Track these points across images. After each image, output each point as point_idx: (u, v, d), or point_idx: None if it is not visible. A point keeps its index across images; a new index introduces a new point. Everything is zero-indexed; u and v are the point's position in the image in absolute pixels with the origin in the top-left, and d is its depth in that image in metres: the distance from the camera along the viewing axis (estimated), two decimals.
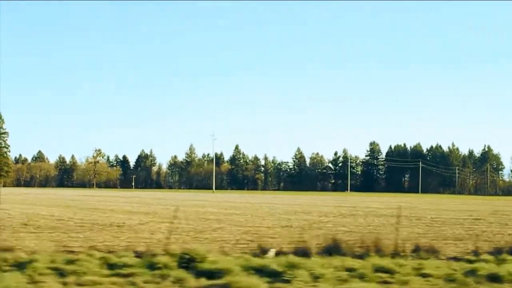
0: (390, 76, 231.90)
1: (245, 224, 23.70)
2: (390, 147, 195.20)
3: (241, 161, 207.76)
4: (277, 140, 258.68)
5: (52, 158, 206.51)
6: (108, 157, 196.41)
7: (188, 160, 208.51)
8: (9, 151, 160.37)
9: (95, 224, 23.43)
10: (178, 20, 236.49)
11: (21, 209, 33.00)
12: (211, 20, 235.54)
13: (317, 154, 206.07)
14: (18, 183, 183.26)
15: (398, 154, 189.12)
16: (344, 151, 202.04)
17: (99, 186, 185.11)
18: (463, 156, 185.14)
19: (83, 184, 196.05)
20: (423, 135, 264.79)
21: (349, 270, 10.59)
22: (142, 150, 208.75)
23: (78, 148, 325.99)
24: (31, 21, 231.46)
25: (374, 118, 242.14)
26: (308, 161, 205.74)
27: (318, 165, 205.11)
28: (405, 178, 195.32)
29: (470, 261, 12.09)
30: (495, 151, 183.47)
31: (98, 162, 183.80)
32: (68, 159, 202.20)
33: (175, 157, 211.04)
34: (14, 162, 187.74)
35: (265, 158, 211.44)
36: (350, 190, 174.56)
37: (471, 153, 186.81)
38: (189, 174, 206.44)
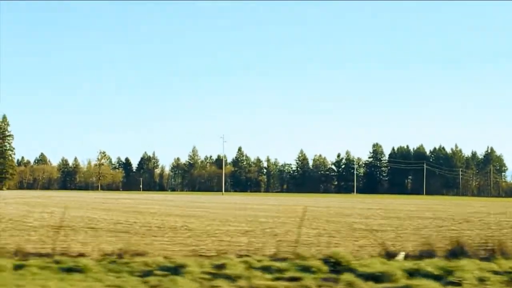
0: (392, 77, 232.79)
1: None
2: (393, 149, 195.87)
3: (244, 163, 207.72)
4: (279, 142, 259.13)
5: (53, 160, 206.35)
6: (110, 159, 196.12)
7: (191, 162, 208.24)
8: (14, 154, 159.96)
9: (161, 228, 23.44)
10: (178, 20, 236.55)
11: (76, 213, 32.98)
12: (211, 20, 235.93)
13: (320, 156, 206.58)
14: (21, 186, 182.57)
15: (401, 155, 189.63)
16: (347, 153, 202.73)
17: (102, 188, 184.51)
18: (466, 158, 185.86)
19: (86, 186, 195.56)
20: (426, 136, 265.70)
21: (509, 272, 10.73)
22: (145, 152, 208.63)
23: (80, 150, 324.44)
24: (31, 21, 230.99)
25: (376, 120, 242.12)
26: (310, 163, 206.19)
27: (321, 167, 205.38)
28: (408, 180, 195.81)
29: None
30: (498, 153, 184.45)
31: (103, 164, 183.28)
32: (70, 162, 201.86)
33: (178, 159, 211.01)
34: (17, 164, 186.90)
35: (268, 160, 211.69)
36: (350, 192, 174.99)
37: (474, 154, 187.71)
38: (192, 176, 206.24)
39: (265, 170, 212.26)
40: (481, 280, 10.25)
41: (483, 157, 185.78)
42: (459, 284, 9.98)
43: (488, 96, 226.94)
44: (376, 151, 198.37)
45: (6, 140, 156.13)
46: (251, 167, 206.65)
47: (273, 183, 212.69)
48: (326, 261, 11.64)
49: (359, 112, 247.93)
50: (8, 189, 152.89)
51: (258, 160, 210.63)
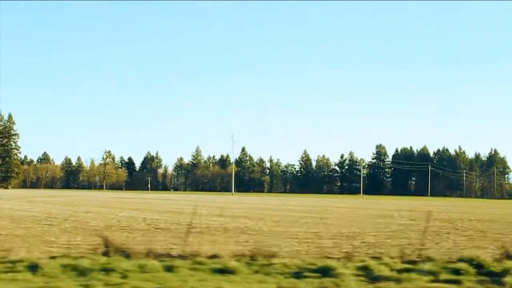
0: (395, 78, 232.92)
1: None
2: (396, 150, 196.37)
3: (248, 163, 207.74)
4: (283, 142, 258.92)
5: (56, 160, 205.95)
6: (114, 158, 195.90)
7: (195, 162, 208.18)
8: (20, 153, 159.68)
9: (212, 228, 23.37)
10: (179, 20, 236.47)
11: (116, 213, 32.96)
12: (213, 20, 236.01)
13: (323, 156, 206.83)
14: (24, 185, 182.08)
15: (404, 157, 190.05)
16: (350, 154, 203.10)
17: (106, 188, 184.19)
18: (469, 159, 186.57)
19: (89, 186, 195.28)
20: (429, 138, 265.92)
21: None
22: (148, 152, 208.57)
23: (82, 149, 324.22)
24: (33, 21, 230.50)
25: (380, 121, 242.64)
26: (314, 163, 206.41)
27: (324, 168, 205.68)
28: (411, 181, 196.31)
29: None
30: (501, 155, 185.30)
31: (108, 164, 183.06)
32: (74, 161, 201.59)
33: (181, 159, 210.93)
34: (20, 163, 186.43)
35: (271, 161, 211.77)
36: (357, 193, 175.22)
37: (477, 156, 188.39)
38: (195, 176, 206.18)
39: (267, 171, 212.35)
40: None
41: (486, 159, 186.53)
42: None
43: (491, 98, 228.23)
44: (380, 152, 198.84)
45: (12, 139, 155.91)
46: (255, 167, 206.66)
47: (276, 183, 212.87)
48: (470, 263, 11.75)
49: (363, 113, 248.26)
50: (12, 187, 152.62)
51: (261, 161, 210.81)
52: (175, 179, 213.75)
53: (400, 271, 11.50)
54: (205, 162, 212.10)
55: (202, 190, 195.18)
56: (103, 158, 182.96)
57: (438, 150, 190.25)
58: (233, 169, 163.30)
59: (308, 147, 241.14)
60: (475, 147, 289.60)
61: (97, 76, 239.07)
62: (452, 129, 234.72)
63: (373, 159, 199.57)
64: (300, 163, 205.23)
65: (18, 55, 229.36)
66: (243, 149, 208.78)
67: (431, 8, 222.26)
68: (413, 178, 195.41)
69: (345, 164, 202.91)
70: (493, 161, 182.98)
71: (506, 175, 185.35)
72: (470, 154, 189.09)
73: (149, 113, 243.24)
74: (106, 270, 10.80)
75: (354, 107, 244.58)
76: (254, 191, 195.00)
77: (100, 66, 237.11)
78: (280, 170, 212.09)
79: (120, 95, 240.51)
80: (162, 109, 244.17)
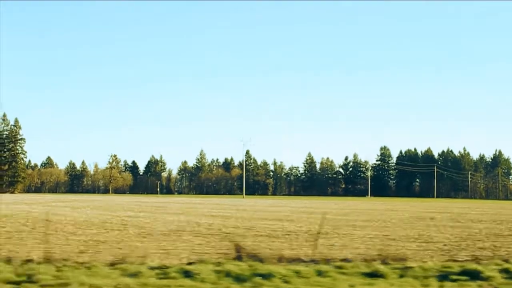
0: (398, 79, 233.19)
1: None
2: (401, 152, 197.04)
3: (252, 166, 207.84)
4: (286, 145, 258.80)
5: (59, 164, 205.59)
6: (120, 162, 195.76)
7: (199, 165, 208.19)
8: (26, 157, 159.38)
9: (283, 233, 23.44)
10: (181, 20, 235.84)
11: (178, 218, 32.98)
12: (217, 20, 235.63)
13: (327, 159, 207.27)
14: (28, 189, 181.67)
15: (409, 158, 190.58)
16: (355, 156, 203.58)
17: (107, 192, 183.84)
18: (474, 161, 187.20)
19: (93, 190, 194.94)
20: (433, 139, 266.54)
21: None
22: (152, 156, 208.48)
23: (85, 153, 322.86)
24: (35, 22, 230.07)
25: (383, 123, 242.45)
26: (318, 166, 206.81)
27: (328, 170, 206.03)
28: (416, 183, 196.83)
29: None
30: (506, 156, 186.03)
31: (114, 167, 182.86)
32: (78, 165, 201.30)
33: (185, 162, 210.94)
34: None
35: (274, 163, 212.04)
36: (361, 195, 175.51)
37: (482, 157, 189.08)
38: (200, 180, 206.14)
39: (271, 173, 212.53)
40: None
41: (491, 160, 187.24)
42: None
43: (495, 98, 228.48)
44: (384, 154, 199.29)
45: (18, 144, 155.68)
46: (259, 170, 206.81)
47: (280, 186, 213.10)
48: None
49: (367, 115, 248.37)
50: (19, 192, 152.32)
51: (265, 163, 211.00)
52: (179, 183, 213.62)
53: None
54: (209, 165, 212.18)
55: (207, 193, 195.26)
56: (109, 162, 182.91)
57: (443, 151, 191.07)
58: (243, 171, 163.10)
59: (312, 150, 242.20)
60: (480, 148, 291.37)
61: (99, 79, 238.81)
62: (456, 130, 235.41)
63: (377, 161, 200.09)
64: (305, 166, 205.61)
65: (20, 58, 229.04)
66: (247, 152, 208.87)
67: (434, 8, 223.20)
68: (417, 180, 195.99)
69: (349, 166, 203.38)
70: (498, 162, 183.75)
71: (511, 176, 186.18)
72: (475, 156, 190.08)
73: (152, 116, 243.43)
74: (262, 276, 10.85)
75: (358, 109, 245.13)
76: (258, 194, 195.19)
77: (103, 68, 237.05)
78: (283, 173, 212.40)
79: (122, 98, 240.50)
80: (166, 112, 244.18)
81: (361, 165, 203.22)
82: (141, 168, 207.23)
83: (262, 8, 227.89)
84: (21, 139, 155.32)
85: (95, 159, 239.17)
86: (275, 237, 20.73)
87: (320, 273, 11.28)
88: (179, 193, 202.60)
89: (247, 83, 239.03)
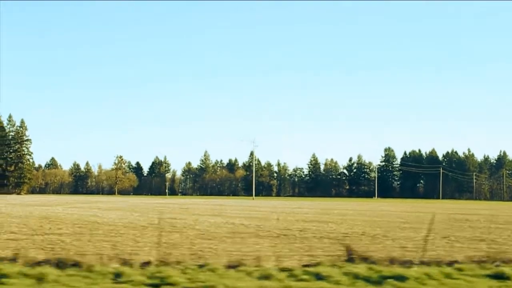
0: (402, 80, 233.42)
1: None
2: (405, 153, 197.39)
3: (256, 167, 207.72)
4: (290, 146, 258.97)
5: (63, 165, 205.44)
6: (125, 163, 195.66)
7: (203, 166, 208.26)
8: (32, 158, 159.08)
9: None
10: (183, 21, 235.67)
11: (213, 220, 32.97)
12: (216, 21, 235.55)
13: (332, 160, 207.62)
14: (33, 190, 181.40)
15: (413, 159, 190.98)
16: (359, 157, 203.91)
17: (112, 193, 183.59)
18: (479, 162, 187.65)
19: (98, 191, 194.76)
20: (438, 141, 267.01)
21: None
22: (156, 157, 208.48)
23: (88, 154, 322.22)
24: (37, 22, 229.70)
25: (388, 124, 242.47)
26: (322, 167, 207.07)
27: (332, 171, 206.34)
28: (420, 184, 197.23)
29: None
30: (510, 157, 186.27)
31: (119, 169, 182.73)
32: (82, 166, 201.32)
33: (189, 163, 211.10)
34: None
35: (278, 164, 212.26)
36: (365, 196, 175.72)
37: (486, 158, 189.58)
38: (204, 181, 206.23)
39: (275, 174, 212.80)
40: None
41: (495, 161, 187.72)
42: None
43: (499, 99, 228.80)
44: (388, 155, 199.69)
45: (24, 145, 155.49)
46: (263, 172, 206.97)
47: (284, 187, 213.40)
48: None
49: (371, 116, 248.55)
50: (25, 193, 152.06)
51: (269, 165, 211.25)
52: (183, 184, 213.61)
53: None
54: (213, 166, 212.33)
55: (211, 194, 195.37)
56: (115, 163, 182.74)
57: (447, 152, 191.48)
58: (253, 173, 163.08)
59: (313, 150, 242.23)
60: (484, 149, 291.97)
61: (101, 79, 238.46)
62: (458, 131, 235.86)
63: (381, 162, 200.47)
64: (309, 167, 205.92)
65: (22, 58, 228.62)
66: (251, 153, 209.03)
67: (434, 8, 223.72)
68: (422, 181, 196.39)
69: (353, 168, 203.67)
70: (502, 163, 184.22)
71: None
72: (479, 157, 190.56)
73: (154, 117, 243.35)
74: (393, 278, 10.89)
75: (358, 109, 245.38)
76: (262, 195, 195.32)
77: (104, 68, 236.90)
78: (287, 174, 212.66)
79: (124, 99, 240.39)
80: (167, 113, 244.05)
81: (365, 166, 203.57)
82: (145, 169, 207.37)
83: (262, 8, 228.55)
84: (27, 140, 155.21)
85: (98, 160, 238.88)
86: (339, 239, 20.76)
87: (447, 276, 11.34)
88: (183, 194, 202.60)
89: (247, 83, 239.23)
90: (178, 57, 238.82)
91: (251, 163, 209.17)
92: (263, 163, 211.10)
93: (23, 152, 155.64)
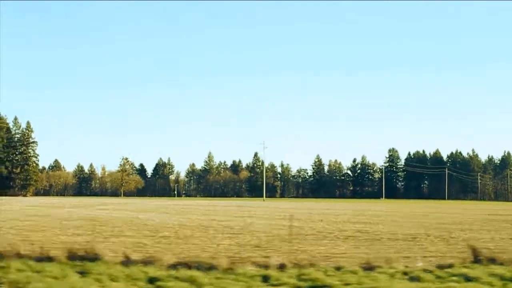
0: (405, 81, 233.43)
1: None
2: (409, 154, 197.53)
3: (260, 169, 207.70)
4: (294, 147, 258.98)
5: (66, 166, 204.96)
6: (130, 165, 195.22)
7: (207, 168, 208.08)
8: (38, 160, 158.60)
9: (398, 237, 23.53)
10: (184, 21, 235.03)
11: (262, 222, 32.99)
12: (219, 21, 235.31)
13: (336, 161, 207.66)
14: (37, 192, 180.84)
15: (417, 160, 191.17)
16: (363, 158, 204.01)
17: (115, 194, 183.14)
18: (483, 163, 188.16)
19: (101, 193, 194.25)
20: (442, 141, 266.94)
21: None
22: (160, 158, 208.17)
23: (91, 156, 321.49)
24: (38, 24, 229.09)
25: (392, 125, 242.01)
26: (326, 168, 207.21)
27: (336, 172, 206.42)
28: (424, 185, 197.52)
29: None
30: None
31: (125, 170, 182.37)
32: (86, 168, 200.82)
33: (193, 164, 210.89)
34: None
35: (282, 166, 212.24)
36: (370, 197, 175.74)
37: (490, 159, 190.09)
38: (208, 182, 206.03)
39: (279, 176, 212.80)
40: None
41: (499, 162, 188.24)
42: None
43: (504, 100, 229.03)
44: (392, 156, 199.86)
45: (30, 147, 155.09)
46: (268, 172, 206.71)
47: (288, 188, 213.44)
48: None
49: (375, 117, 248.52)
50: (31, 195, 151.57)
51: (272, 166, 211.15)
52: (187, 185, 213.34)
53: None
54: (216, 167, 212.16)
55: (215, 195, 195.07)
56: (121, 164, 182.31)
57: (452, 153, 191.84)
58: (263, 174, 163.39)
59: (319, 152, 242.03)
60: (488, 150, 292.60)
61: (104, 81, 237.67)
62: (465, 132, 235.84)
63: (385, 162, 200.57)
64: (313, 168, 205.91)
65: (25, 61, 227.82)
66: (255, 155, 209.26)
67: (434, 8, 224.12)
68: (426, 182, 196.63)
69: (357, 168, 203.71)
70: (507, 163, 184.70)
71: None
72: (483, 157, 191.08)
73: (162, 119, 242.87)
74: None
75: (358, 109, 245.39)
76: (267, 197, 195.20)
77: (107, 70, 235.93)
78: (290, 175, 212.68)
79: (127, 101, 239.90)
80: (173, 114, 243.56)
81: (369, 167, 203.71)
82: (149, 170, 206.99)
83: (262, 8, 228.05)
84: (33, 142, 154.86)
85: (101, 161, 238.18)
86: (409, 240, 20.81)
87: None
88: (187, 195, 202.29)
89: (247, 83, 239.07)
90: (178, 57, 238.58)
91: (255, 164, 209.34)
92: (266, 164, 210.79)
93: (29, 154, 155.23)
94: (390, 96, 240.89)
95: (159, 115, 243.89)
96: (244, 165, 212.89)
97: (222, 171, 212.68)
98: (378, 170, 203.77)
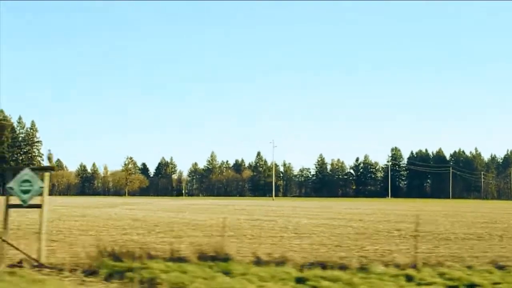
0: (408, 80, 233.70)
1: None
2: (412, 153, 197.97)
3: (263, 167, 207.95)
4: (296, 146, 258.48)
5: (68, 166, 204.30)
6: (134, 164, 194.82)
7: (210, 167, 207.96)
8: (43, 160, 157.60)
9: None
10: (185, 21, 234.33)
11: (306, 221, 32.99)
12: (223, 22, 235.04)
13: (338, 160, 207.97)
14: None
15: (420, 159, 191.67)
16: (366, 157, 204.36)
17: (118, 194, 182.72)
18: (486, 162, 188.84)
19: (104, 192, 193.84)
20: (445, 140, 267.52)
21: None
22: (163, 158, 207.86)
23: (93, 155, 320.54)
24: (38, 23, 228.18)
25: (394, 124, 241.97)
26: (328, 167, 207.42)
27: (339, 171, 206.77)
28: (427, 184, 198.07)
29: None
30: None
31: (130, 170, 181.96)
32: (89, 167, 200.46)
33: (196, 164, 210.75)
34: None
35: (284, 165, 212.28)
36: (373, 196, 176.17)
37: (493, 158, 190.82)
38: (211, 182, 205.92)
39: (281, 175, 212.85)
40: None
41: (502, 160, 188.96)
42: None
43: (506, 98, 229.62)
44: (395, 155, 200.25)
45: (35, 146, 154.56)
46: (271, 172, 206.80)
47: (290, 187, 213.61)
48: None
49: (367, 115, 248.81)
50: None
51: (275, 165, 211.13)
52: (189, 184, 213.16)
53: None
54: (219, 167, 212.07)
55: (218, 195, 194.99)
56: (125, 164, 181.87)
57: (455, 152, 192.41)
58: (273, 173, 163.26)
59: (320, 151, 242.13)
60: (491, 148, 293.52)
61: (105, 80, 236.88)
62: (466, 131, 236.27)
63: (388, 162, 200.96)
64: (316, 167, 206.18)
65: (26, 60, 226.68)
66: (258, 154, 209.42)
67: (434, 8, 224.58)
68: (428, 181, 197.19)
69: (360, 168, 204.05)
70: (509, 162, 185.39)
71: None
72: (486, 156, 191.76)
73: (161, 118, 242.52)
74: None
75: (359, 109, 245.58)
76: (270, 196, 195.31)
77: (108, 70, 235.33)
78: (292, 174, 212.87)
79: (129, 100, 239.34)
80: (175, 114, 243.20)
81: (372, 166, 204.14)
82: (151, 170, 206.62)
83: (262, 8, 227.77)
84: (38, 141, 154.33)
85: (102, 161, 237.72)
86: (485, 240, 20.89)
87: None
88: (190, 195, 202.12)
89: (246, 83, 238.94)
90: (178, 57, 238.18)
91: (258, 164, 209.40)
92: (269, 164, 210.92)
93: (34, 154, 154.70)
94: (390, 96, 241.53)
95: (161, 115, 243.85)
96: (246, 165, 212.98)
97: (224, 171, 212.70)
98: (380, 169, 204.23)
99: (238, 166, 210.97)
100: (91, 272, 11.30)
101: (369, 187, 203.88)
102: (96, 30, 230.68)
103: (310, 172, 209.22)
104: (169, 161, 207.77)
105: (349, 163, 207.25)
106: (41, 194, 12.31)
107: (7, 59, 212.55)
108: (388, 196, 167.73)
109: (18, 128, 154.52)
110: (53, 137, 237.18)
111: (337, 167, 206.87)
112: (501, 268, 12.09)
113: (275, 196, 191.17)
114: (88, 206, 54.73)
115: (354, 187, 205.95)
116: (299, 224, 29.16)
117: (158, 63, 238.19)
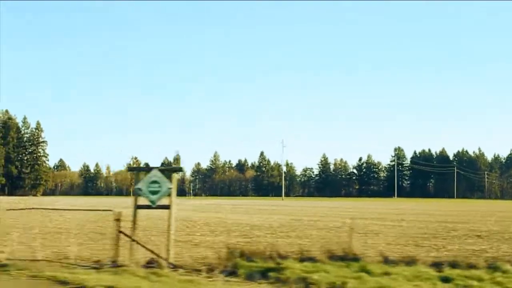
0: (411, 80, 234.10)
1: None
2: (415, 152, 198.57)
3: (267, 167, 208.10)
4: (299, 146, 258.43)
5: (71, 166, 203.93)
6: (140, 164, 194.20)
7: (213, 167, 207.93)
8: (48, 160, 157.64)
9: None
10: (186, 21, 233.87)
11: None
12: (223, 23, 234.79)
13: (341, 160, 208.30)
14: (43, 192, 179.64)
15: (423, 159, 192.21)
16: (369, 156, 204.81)
17: (121, 194, 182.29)
18: (490, 161, 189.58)
19: (107, 192, 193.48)
20: (448, 140, 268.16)
21: None
22: (166, 158, 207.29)
23: (96, 155, 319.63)
24: (39, 23, 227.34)
25: (397, 124, 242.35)
26: (331, 167, 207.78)
27: (342, 171, 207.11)
28: (431, 184, 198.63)
29: None
30: None
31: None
32: (92, 167, 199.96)
33: (199, 164, 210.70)
34: None
35: (287, 165, 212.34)
36: (376, 196, 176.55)
37: (496, 157, 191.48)
38: (214, 181, 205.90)
39: (284, 174, 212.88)
40: None
41: (505, 160, 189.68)
42: None
43: (495, 99, 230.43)
44: (398, 155, 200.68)
45: (40, 146, 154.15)
46: (274, 172, 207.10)
47: (293, 187, 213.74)
48: None
49: (367, 115, 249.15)
50: (40, 195, 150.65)
51: (277, 165, 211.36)
52: (192, 184, 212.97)
53: None
54: (222, 166, 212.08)
55: (221, 195, 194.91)
56: (130, 164, 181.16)
57: (458, 152, 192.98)
58: (282, 173, 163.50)
59: (322, 151, 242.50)
60: (494, 148, 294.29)
61: (106, 80, 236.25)
62: (467, 131, 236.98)
63: (391, 161, 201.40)
64: (319, 167, 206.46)
65: (26, 60, 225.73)
66: (261, 154, 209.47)
67: (434, 8, 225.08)
68: (432, 181, 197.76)
69: (363, 167, 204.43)
70: None
71: None
72: (489, 156, 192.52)
73: (162, 118, 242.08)
74: None
75: (358, 109, 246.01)
76: (273, 195, 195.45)
77: (109, 70, 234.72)
78: (294, 174, 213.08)
79: (130, 100, 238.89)
80: (175, 114, 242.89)
81: (375, 166, 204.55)
82: None
83: (262, 8, 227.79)
84: (43, 141, 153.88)
85: (105, 160, 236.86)
86: None
87: None
88: (194, 195, 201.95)
89: (246, 83, 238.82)
90: (178, 57, 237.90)
91: (261, 163, 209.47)
92: (272, 164, 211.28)
93: (39, 154, 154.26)
94: (390, 96, 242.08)
95: (161, 115, 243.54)
96: (249, 164, 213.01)
97: (227, 170, 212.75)
98: (383, 169, 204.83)
99: (241, 166, 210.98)
100: (229, 273, 11.29)
101: (372, 186, 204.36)
102: (96, 30, 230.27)
103: (313, 172, 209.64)
104: (172, 161, 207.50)
105: (351, 163, 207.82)
106: (169, 195, 12.29)
107: (7, 59, 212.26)
108: (394, 196, 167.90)
109: (23, 128, 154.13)
110: (53, 137, 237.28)
111: (340, 167, 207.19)
112: None
113: (279, 195, 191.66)
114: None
115: (357, 187, 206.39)
116: (364, 224, 29.07)
117: (158, 63, 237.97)
